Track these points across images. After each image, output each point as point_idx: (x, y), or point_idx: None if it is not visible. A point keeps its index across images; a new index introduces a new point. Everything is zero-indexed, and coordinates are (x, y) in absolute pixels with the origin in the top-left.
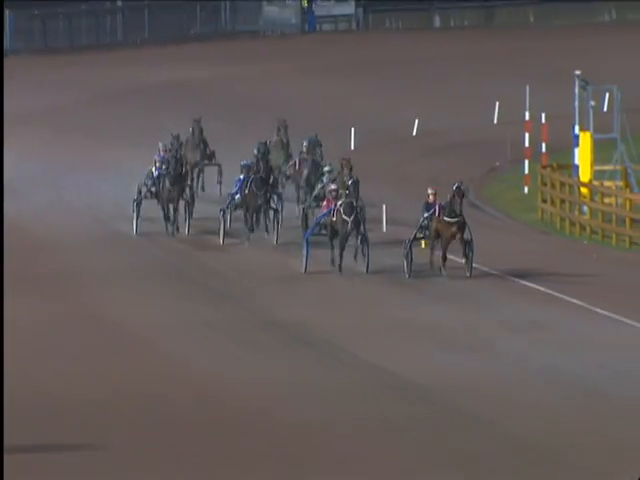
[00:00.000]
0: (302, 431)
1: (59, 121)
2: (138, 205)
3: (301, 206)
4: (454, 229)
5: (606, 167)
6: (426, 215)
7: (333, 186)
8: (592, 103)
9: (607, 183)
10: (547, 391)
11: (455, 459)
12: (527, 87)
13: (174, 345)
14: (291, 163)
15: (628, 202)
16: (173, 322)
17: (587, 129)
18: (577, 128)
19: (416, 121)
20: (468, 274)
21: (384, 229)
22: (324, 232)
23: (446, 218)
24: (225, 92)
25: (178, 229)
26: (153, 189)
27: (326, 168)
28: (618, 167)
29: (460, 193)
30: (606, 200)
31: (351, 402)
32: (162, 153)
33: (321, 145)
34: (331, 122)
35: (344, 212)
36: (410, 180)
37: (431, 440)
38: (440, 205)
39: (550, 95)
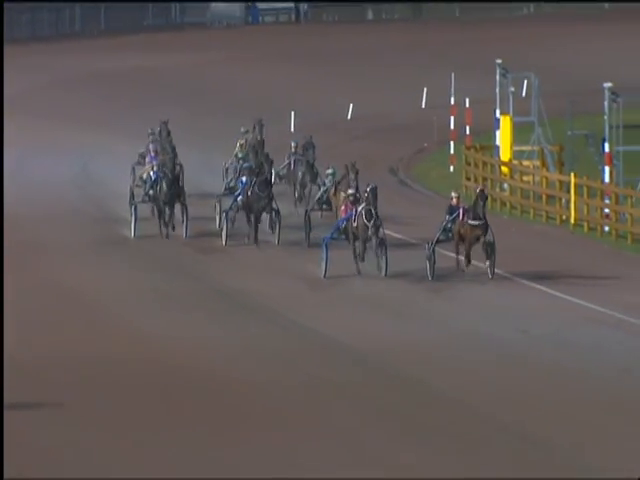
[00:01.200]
0: (246, 390)
1: (21, 105)
2: (135, 208)
3: (304, 208)
4: (477, 232)
5: (524, 148)
6: (449, 218)
7: (351, 190)
8: (512, 89)
9: (525, 162)
10: (471, 353)
11: (387, 416)
12: (452, 75)
13: (128, 311)
14: (285, 163)
15: (544, 180)
16: (128, 290)
17: (507, 113)
18: (498, 112)
19: (351, 106)
20: (490, 276)
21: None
22: (343, 237)
23: (470, 221)
24: (175, 79)
25: (174, 228)
26: (151, 192)
27: (329, 171)
28: (535, 148)
29: (483, 197)
30: (525, 178)
31: (291, 364)
32: (153, 154)
33: (314, 146)
34: (272, 106)
35: (365, 217)
36: (346, 160)
37: (366, 398)
38: (464, 208)
39: (473, 82)
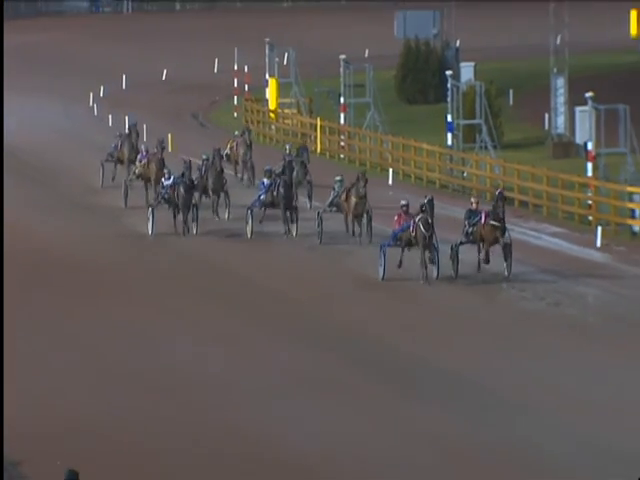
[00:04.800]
0: (92, 269)
1: None
2: (153, 210)
3: (317, 211)
4: (497, 233)
5: (286, 100)
6: (471, 222)
7: (404, 202)
8: (277, 59)
9: (286, 110)
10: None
11: (186, 285)
12: (236, 49)
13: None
14: (281, 163)
15: (300, 122)
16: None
17: (274, 76)
18: (267, 75)
19: (165, 70)
20: (507, 273)
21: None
22: (399, 243)
23: (491, 221)
24: (39, 52)
25: (189, 230)
26: (166, 196)
27: (337, 178)
28: (293, 100)
29: (502, 198)
30: (286, 121)
31: (117, 249)
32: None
33: (308, 149)
34: (110, 70)
35: (423, 227)
36: (161, 109)
37: (175, 274)
38: (486, 213)
39: (250, 54)
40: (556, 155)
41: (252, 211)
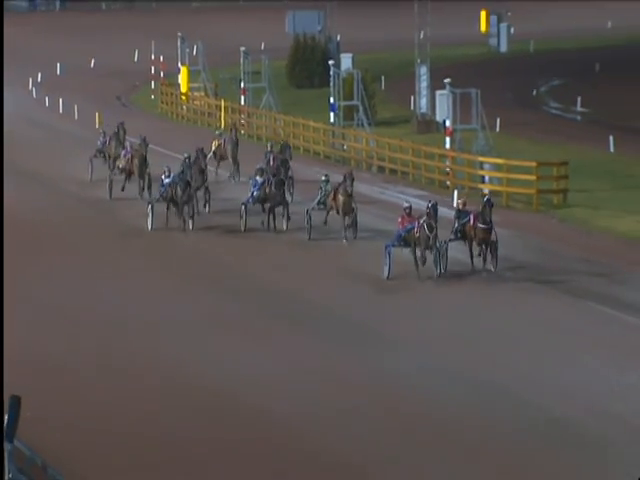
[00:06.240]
0: (33, 227)
1: None
2: (152, 207)
3: (306, 209)
4: (487, 234)
5: (195, 84)
6: (461, 222)
7: (406, 204)
8: (187, 50)
9: (196, 93)
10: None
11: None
12: (152, 42)
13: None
14: (265, 160)
15: (207, 103)
16: None
17: (185, 64)
18: (180, 64)
19: (93, 59)
20: (493, 269)
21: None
22: (402, 243)
23: (480, 225)
24: None
25: (185, 223)
26: (165, 194)
27: (323, 177)
28: (201, 85)
29: (490, 204)
30: (195, 102)
31: (61, 215)
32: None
33: (290, 147)
34: (46, 60)
35: (427, 229)
36: (90, 91)
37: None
38: (475, 215)
39: (166, 46)
40: (420, 131)
41: (246, 206)
